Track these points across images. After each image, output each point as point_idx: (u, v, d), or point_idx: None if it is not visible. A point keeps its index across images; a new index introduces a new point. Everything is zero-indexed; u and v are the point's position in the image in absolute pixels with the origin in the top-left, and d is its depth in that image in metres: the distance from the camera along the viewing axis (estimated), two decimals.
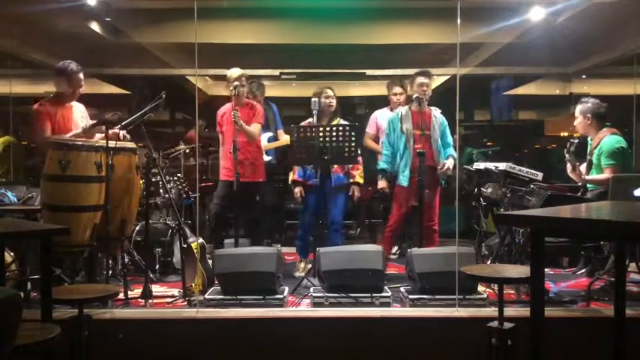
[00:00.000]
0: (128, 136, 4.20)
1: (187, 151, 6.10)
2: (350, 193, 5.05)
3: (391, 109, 5.70)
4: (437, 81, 7.24)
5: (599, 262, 4.55)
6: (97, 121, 4.27)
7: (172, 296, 4.19)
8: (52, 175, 3.85)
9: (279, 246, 5.44)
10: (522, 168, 4.65)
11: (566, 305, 3.94)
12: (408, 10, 6.40)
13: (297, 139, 4.49)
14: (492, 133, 9.35)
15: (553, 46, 6.52)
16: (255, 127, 4.95)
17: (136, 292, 4.17)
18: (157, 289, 4.42)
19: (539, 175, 4.58)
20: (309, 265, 4.83)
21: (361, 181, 5.07)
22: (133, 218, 4.37)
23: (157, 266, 4.82)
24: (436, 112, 4.92)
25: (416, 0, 6.33)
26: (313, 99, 4.84)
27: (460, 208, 4.65)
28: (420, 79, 4.85)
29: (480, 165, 4.99)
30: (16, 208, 4.52)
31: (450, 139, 4.92)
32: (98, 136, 4.31)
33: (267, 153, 5.51)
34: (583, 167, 4.54)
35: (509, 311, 3.38)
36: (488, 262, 4.77)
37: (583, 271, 4.93)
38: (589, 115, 4.54)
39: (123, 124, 4.15)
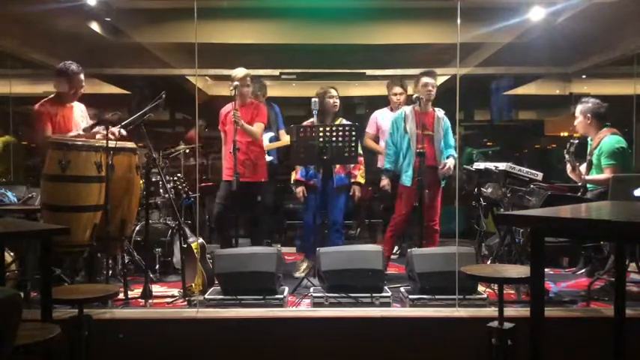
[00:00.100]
0: (124, 131, 4.18)
1: (187, 151, 6.10)
2: (351, 193, 5.05)
3: (391, 109, 5.71)
4: (437, 81, 7.23)
5: (599, 262, 4.55)
6: (97, 121, 4.27)
7: (172, 296, 4.19)
8: (52, 175, 3.86)
9: (279, 246, 5.44)
10: (522, 168, 4.65)
11: (566, 305, 3.94)
12: (408, 10, 6.40)
13: (297, 139, 4.49)
14: (492, 133, 9.34)
15: (553, 46, 6.51)
16: (257, 127, 4.94)
17: (136, 292, 4.17)
18: (157, 289, 4.42)
19: (539, 175, 4.58)
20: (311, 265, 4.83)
21: (363, 181, 5.07)
22: (133, 218, 4.37)
23: (157, 266, 4.82)
24: (439, 113, 4.91)
25: (416, 0, 6.33)
26: (314, 99, 4.84)
27: (460, 208, 4.65)
28: (425, 80, 4.83)
29: (480, 165, 4.99)
30: (16, 208, 4.53)
31: (451, 141, 4.91)
32: (98, 136, 4.31)
33: (268, 153, 5.52)
34: (583, 167, 4.54)
35: (509, 311, 3.38)
36: (488, 262, 4.77)
37: (583, 271, 4.93)
38: (589, 115, 4.54)
39: (123, 124, 4.16)
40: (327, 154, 4.42)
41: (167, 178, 4.89)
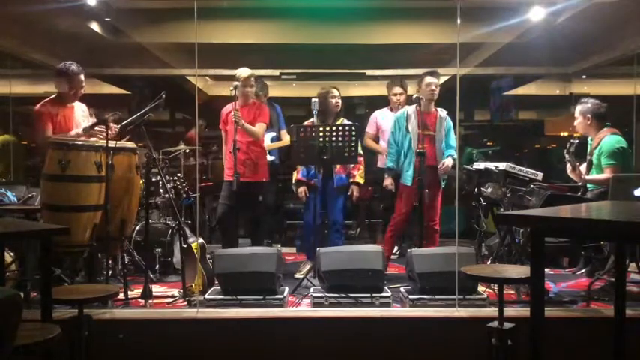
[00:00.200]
0: (117, 127, 4.15)
1: (187, 151, 6.11)
2: (349, 193, 5.05)
3: (391, 109, 5.71)
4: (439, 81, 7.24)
5: (599, 262, 4.55)
6: (97, 121, 4.27)
7: (172, 296, 4.19)
8: (52, 175, 3.86)
9: (279, 246, 5.44)
10: (522, 168, 4.65)
11: (566, 305, 3.94)
12: (408, 10, 6.40)
13: (297, 139, 4.49)
14: (492, 133, 9.34)
15: (553, 46, 6.51)
16: (259, 127, 4.93)
17: (136, 292, 4.17)
18: (157, 289, 4.42)
19: (539, 175, 4.58)
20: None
21: (361, 181, 5.07)
22: (133, 218, 4.37)
23: (157, 266, 4.82)
24: (442, 113, 4.91)
25: (416, 0, 6.33)
26: (314, 99, 4.83)
27: (460, 208, 4.65)
28: (429, 79, 4.83)
29: (480, 165, 4.99)
30: (16, 208, 4.53)
31: (453, 142, 4.90)
32: (98, 135, 4.31)
33: (270, 153, 5.52)
34: (583, 167, 4.54)
35: (509, 311, 3.38)
36: (488, 262, 4.77)
37: (583, 271, 4.93)
38: (589, 115, 4.54)
39: (123, 124, 4.15)
40: (327, 154, 4.42)
41: (167, 178, 4.89)
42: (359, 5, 6.12)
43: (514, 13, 5.81)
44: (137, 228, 4.80)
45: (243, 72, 4.90)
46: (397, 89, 5.65)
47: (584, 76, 8.28)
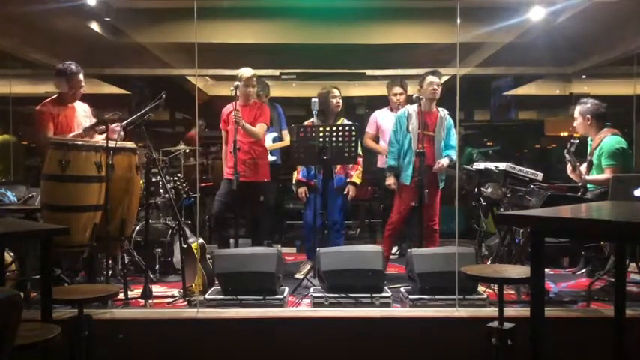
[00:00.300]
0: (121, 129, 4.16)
1: (187, 151, 6.10)
2: (345, 192, 5.03)
3: (391, 109, 5.71)
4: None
5: (599, 262, 4.55)
6: (97, 121, 4.27)
7: (172, 296, 4.19)
8: (52, 175, 3.86)
9: (279, 246, 5.44)
10: (522, 168, 4.65)
11: (566, 305, 3.94)
12: (408, 10, 6.40)
13: (297, 139, 4.49)
14: (492, 133, 9.35)
15: (553, 46, 6.51)
16: (259, 128, 4.92)
17: (136, 292, 4.17)
18: (157, 289, 4.42)
19: (539, 176, 4.58)
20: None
21: (358, 181, 5.05)
22: (133, 218, 4.37)
23: (157, 266, 4.81)
24: (443, 112, 4.91)
25: (416, 0, 6.33)
26: (314, 99, 4.83)
27: (460, 208, 4.65)
28: (431, 79, 4.82)
29: (480, 165, 4.99)
30: (16, 208, 4.53)
31: (453, 141, 4.88)
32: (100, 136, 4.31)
33: (272, 153, 5.51)
34: (583, 167, 4.54)
35: (509, 311, 3.38)
36: (488, 262, 4.77)
37: (583, 271, 4.93)
38: (588, 116, 4.53)
39: (123, 124, 4.15)
40: (327, 154, 4.42)
41: (167, 178, 4.89)
42: (359, 5, 6.12)
43: (514, 13, 5.81)
44: (137, 228, 4.80)
45: (246, 72, 4.89)
46: (397, 89, 5.65)
47: (584, 76, 8.28)
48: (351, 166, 4.99)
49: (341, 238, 5.09)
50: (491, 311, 3.53)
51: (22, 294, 3.69)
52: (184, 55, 6.82)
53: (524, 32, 6.34)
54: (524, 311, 3.42)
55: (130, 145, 4.22)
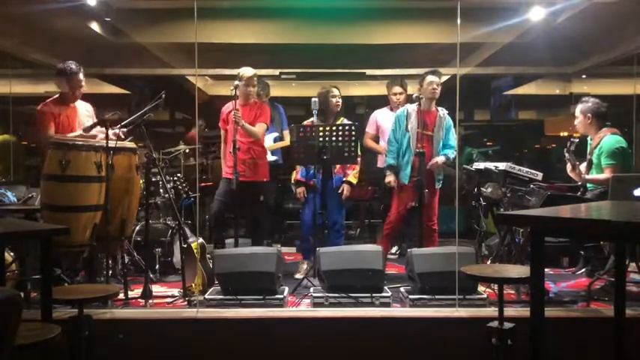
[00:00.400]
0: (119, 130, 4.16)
1: (187, 151, 6.10)
2: (340, 191, 5.02)
3: (391, 109, 5.71)
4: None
5: (599, 262, 4.55)
6: (97, 121, 4.27)
7: (172, 296, 4.19)
8: (52, 175, 3.86)
9: (279, 246, 5.43)
10: (522, 168, 4.65)
11: (566, 305, 3.94)
12: (408, 10, 6.40)
13: (297, 139, 4.49)
14: (492, 133, 9.35)
15: (553, 46, 6.51)
16: (259, 127, 4.92)
17: (136, 292, 4.17)
18: (157, 289, 4.42)
19: (539, 175, 4.58)
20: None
21: (354, 181, 5.03)
22: (133, 218, 4.37)
23: (157, 266, 4.81)
24: (442, 112, 4.91)
25: (416, 0, 6.33)
26: (314, 99, 4.83)
27: (460, 208, 4.65)
28: (431, 78, 4.83)
29: (480, 165, 4.99)
30: (16, 208, 4.53)
31: (452, 141, 4.89)
32: (100, 136, 4.31)
33: (273, 153, 5.51)
34: (583, 167, 4.54)
35: (509, 311, 3.38)
36: (488, 262, 4.77)
37: (583, 271, 4.93)
38: (589, 114, 4.53)
39: (123, 124, 4.16)
40: (327, 153, 4.41)
41: (167, 178, 4.89)
42: (359, 5, 6.12)
43: (514, 13, 5.81)
44: (137, 228, 4.80)
45: (247, 71, 4.89)
46: (397, 89, 5.65)
47: (584, 76, 8.28)
48: (348, 165, 4.99)
49: (341, 238, 5.09)
50: (491, 311, 3.53)
51: (22, 294, 3.69)
52: (184, 55, 6.82)
53: (524, 32, 6.34)
54: (524, 311, 3.42)
55: (130, 145, 4.22)
